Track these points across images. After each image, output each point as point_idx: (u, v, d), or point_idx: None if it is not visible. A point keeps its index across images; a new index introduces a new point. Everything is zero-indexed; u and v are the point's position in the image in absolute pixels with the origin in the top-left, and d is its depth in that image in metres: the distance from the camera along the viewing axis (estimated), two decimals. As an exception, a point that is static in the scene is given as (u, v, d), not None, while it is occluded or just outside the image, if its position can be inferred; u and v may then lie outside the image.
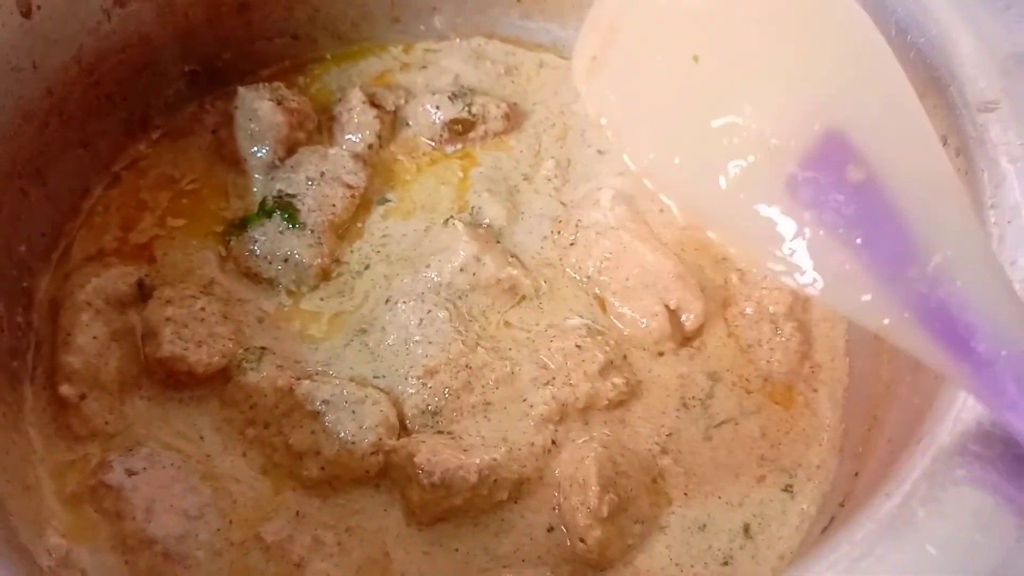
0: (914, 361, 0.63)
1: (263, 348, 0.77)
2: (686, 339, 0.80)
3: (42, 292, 0.78)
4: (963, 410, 0.52)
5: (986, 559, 0.44)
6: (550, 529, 0.70)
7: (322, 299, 0.81)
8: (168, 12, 0.82)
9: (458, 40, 0.97)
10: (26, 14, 0.71)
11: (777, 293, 0.81)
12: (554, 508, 0.71)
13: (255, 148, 0.86)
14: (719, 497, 0.72)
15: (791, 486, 0.73)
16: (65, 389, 0.72)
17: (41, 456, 0.71)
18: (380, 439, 0.71)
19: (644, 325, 0.79)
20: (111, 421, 0.73)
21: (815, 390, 0.78)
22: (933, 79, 0.65)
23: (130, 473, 0.70)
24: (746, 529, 0.70)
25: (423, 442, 0.71)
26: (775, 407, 0.77)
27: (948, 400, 0.52)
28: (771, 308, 0.80)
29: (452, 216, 0.84)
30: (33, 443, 0.71)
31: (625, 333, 0.79)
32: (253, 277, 0.81)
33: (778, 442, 0.75)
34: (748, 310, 0.81)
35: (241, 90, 0.86)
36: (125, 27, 0.80)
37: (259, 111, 0.85)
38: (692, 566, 0.68)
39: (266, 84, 0.88)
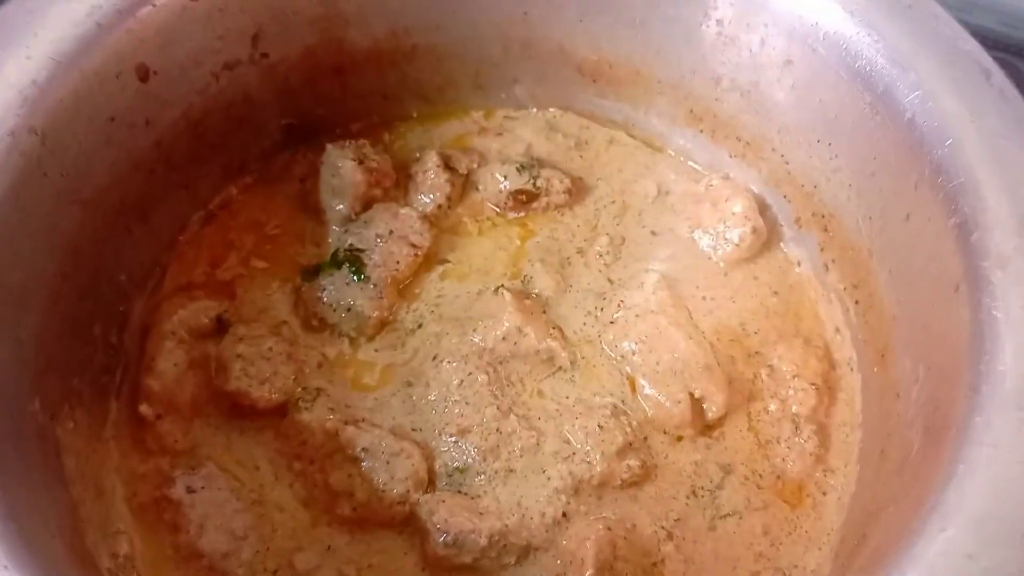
0: (898, 488, 0.67)
1: (319, 389, 0.85)
2: (707, 428, 0.84)
3: (135, 317, 0.87)
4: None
5: None
6: (549, 596, 0.76)
7: (376, 350, 0.88)
8: (271, 75, 0.91)
9: (535, 110, 1.03)
10: (143, 79, 0.80)
11: (803, 395, 0.84)
12: (556, 577, 0.77)
13: (335, 202, 0.94)
14: (713, 589, 0.76)
15: (783, 587, 0.77)
16: (144, 408, 0.82)
17: (117, 465, 0.81)
18: (408, 491, 0.78)
19: (667, 409, 0.83)
20: (180, 441, 0.82)
21: (824, 493, 0.82)
22: (958, 225, 0.67)
23: (190, 490, 0.80)
24: (733, 624, 0.75)
25: (443, 501, 0.78)
26: (782, 505, 0.81)
27: (905, 553, 0.55)
28: (794, 408, 0.84)
29: (503, 284, 0.90)
30: (111, 452, 0.81)
31: (649, 415, 0.84)
32: (319, 322, 0.89)
33: (779, 541, 0.79)
34: (772, 407, 0.85)
35: (328, 147, 0.95)
36: (231, 87, 0.89)
37: (342, 168, 0.93)
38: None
39: (351, 142, 0.96)
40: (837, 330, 0.88)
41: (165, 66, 0.82)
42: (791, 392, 0.85)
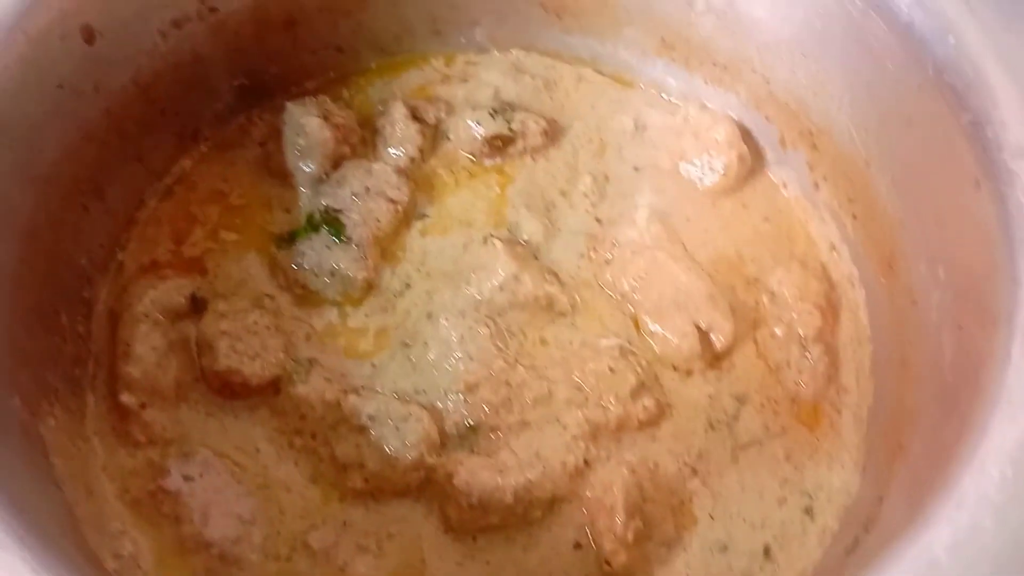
0: (938, 389, 0.66)
1: (312, 360, 0.80)
2: (715, 359, 0.82)
3: (101, 303, 0.81)
4: (988, 458, 0.54)
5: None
6: (577, 546, 0.73)
7: (366, 315, 0.84)
8: (220, 31, 0.85)
9: (497, 53, 0.99)
10: (89, 41, 0.74)
11: (807, 316, 0.83)
12: (582, 527, 0.74)
13: (303, 163, 0.88)
14: (743, 519, 0.75)
15: (811, 508, 0.76)
16: (126, 398, 0.76)
17: (103, 462, 0.75)
18: (422, 455, 0.75)
19: (675, 344, 0.81)
20: (169, 428, 0.77)
21: (839, 412, 0.81)
22: (970, 123, 0.66)
23: (187, 478, 0.75)
24: (766, 551, 0.74)
25: (461, 463, 0.74)
26: (800, 428, 0.80)
27: (975, 444, 0.54)
28: (800, 331, 0.83)
29: (491, 234, 0.87)
30: (96, 449, 0.75)
31: (656, 351, 0.82)
32: (302, 289, 0.84)
33: (802, 465, 0.78)
34: (778, 332, 0.83)
35: (289, 105, 0.89)
36: (180, 47, 0.83)
37: (307, 127, 0.87)
38: (711, 584, 0.72)
39: (312, 98, 0.90)
40: (833, 247, 0.87)
41: (111, 25, 0.76)
42: (795, 315, 0.83)
